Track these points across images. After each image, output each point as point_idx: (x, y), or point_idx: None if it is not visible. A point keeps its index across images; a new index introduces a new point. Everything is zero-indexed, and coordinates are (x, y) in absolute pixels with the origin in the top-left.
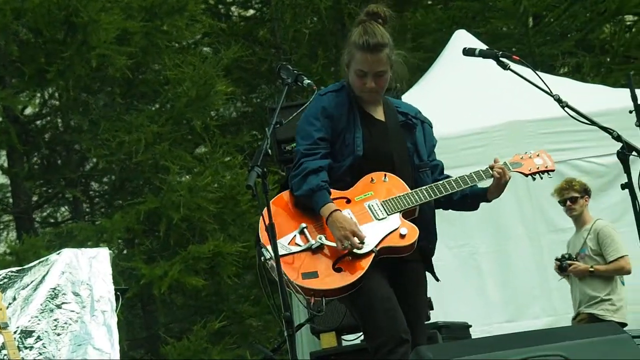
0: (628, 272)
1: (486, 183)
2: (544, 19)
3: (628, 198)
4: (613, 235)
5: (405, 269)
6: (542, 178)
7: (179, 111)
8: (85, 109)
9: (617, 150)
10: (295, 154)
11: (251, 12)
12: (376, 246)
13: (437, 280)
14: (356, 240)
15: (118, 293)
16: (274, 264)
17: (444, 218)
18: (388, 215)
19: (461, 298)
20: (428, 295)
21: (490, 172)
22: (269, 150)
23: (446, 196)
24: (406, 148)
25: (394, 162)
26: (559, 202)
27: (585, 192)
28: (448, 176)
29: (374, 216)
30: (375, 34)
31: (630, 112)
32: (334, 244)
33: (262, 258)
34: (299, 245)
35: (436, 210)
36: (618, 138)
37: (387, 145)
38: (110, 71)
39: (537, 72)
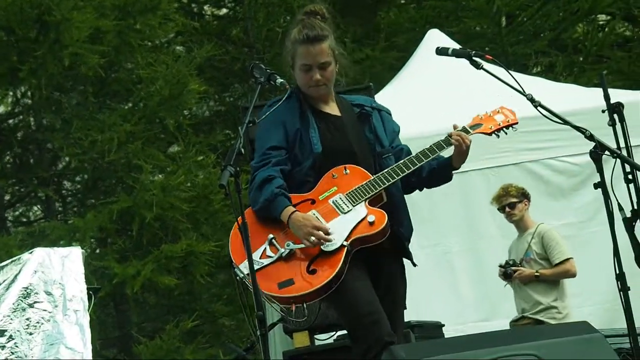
0: (573, 275)
1: (450, 152)
2: (517, 19)
3: (601, 197)
4: (557, 239)
5: (383, 269)
6: (506, 134)
7: (152, 110)
8: (57, 107)
9: (590, 150)
10: (251, 169)
11: (224, 11)
12: (346, 239)
13: (415, 265)
14: (321, 233)
15: (90, 292)
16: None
17: (416, 217)
18: (354, 206)
19: (434, 297)
20: None
21: (450, 140)
22: (242, 150)
23: (415, 173)
24: (366, 138)
25: (355, 154)
26: (498, 209)
27: (524, 196)
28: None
29: (340, 210)
30: (314, 26)
31: (603, 111)
32: (302, 246)
33: (238, 278)
34: (271, 257)
35: (410, 210)
36: (591, 137)
37: (346, 139)
38: (82, 70)
39: (510, 71)
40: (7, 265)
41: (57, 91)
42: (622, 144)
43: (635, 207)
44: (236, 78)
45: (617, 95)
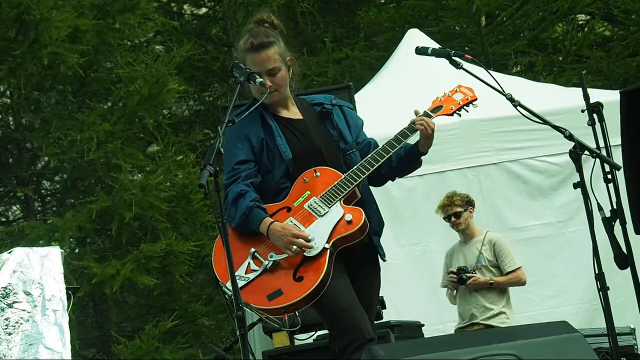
0: (524, 283)
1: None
2: (497, 18)
3: (580, 197)
4: (508, 247)
5: (358, 273)
6: (467, 111)
7: (131, 109)
8: (36, 107)
9: (570, 150)
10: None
11: (204, 10)
12: (327, 242)
13: (384, 260)
14: (301, 241)
15: (70, 292)
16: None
17: (396, 217)
18: (329, 207)
19: (414, 297)
20: (380, 295)
21: (414, 126)
22: (222, 149)
23: (385, 165)
24: (330, 136)
25: (322, 154)
26: (443, 218)
27: (468, 204)
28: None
29: (317, 214)
30: (259, 34)
31: (583, 111)
32: (285, 256)
33: (227, 297)
34: (256, 271)
35: (390, 209)
36: (570, 137)
37: (312, 140)
38: (62, 69)
39: (489, 71)
40: None
41: (36, 90)
42: (602, 144)
43: (615, 207)
44: (216, 77)
45: (597, 95)
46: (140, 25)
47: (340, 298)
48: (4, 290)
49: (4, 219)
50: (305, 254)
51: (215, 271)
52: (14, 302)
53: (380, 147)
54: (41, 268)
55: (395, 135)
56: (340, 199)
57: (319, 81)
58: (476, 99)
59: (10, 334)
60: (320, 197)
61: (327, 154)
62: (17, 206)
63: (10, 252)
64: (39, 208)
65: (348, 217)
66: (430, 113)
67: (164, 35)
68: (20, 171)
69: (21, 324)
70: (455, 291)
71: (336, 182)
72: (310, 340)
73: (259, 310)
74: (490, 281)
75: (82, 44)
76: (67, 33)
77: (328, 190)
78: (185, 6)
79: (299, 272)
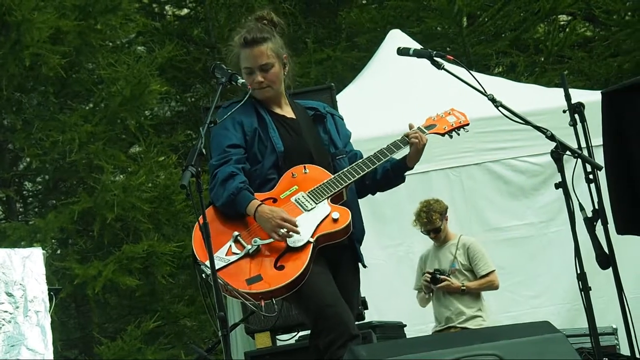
0: (497, 287)
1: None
2: (478, 19)
3: (562, 197)
4: (482, 251)
5: (339, 271)
6: (459, 134)
7: (113, 110)
8: (18, 108)
9: (551, 150)
10: (210, 168)
11: (185, 11)
12: (312, 236)
13: (365, 267)
14: (289, 225)
15: (52, 293)
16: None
17: (379, 217)
18: (316, 204)
19: (396, 297)
20: (362, 295)
21: (407, 139)
22: (203, 150)
23: (370, 176)
24: (321, 139)
25: (312, 155)
26: (421, 232)
27: (444, 214)
28: None
29: (303, 208)
30: (254, 29)
31: (564, 111)
32: (270, 241)
33: (203, 275)
34: (237, 254)
35: (372, 210)
36: (552, 137)
37: (303, 140)
38: (43, 70)
39: (471, 71)
40: None
41: (18, 92)
42: (583, 144)
43: (596, 207)
44: (197, 78)
45: (578, 95)
46: (122, 26)
47: (325, 294)
48: None
49: None
50: (289, 243)
51: (195, 250)
52: None
53: (371, 154)
54: (23, 269)
55: (388, 145)
56: (328, 197)
57: (301, 82)
58: (468, 124)
59: None
60: (308, 192)
61: (316, 155)
62: None
63: None
64: (20, 209)
65: (335, 215)
66: (424, 129)
67: (145, 36)
68: (2, 172)
69: (3, 325)
70: (428, 294)
71: (325, 181)
72: (292, 341)
73: (236, 292)
74: (463, 287)
75: (63, 45)
76: (49, 34)
77: (317, 187)
78: (167, 7)
79: (281, 261)
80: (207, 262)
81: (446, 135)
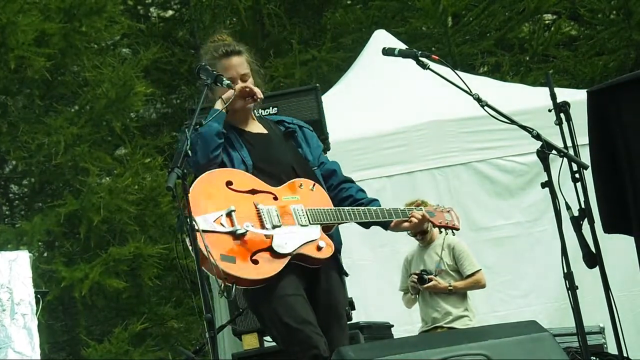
0: (483, 286)
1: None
2: (463, 19)
3: (548, 196)
4: (467, 251)
5: (320, 283)
6: (447, 233)
7: (98, 113)
8: (4, 111)
9: (537, 149)
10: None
11: (170, 13)
12: (294, 250)
13: (346, 275)
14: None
15: (38, 296)
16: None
17: None
18: (310, 224)
19: (383, 298)
20: (350, 296)
21: (408, 215)
22: (189, 152)
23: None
24: (299, 153)
25: (294, 168)
26: (407, 234)
27: None
28: (360, 191)
29: (297, 221)
30: (230, 43)
31: (550, 110)
32: (260, 232)
33: (184, 228)
34: (223, 227)
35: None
36: (537, 137)
37: (278, 154)
38: (29, 73)
39: (456, 71)
40: None
41: (3, 94)
42: (569, 143)
43: (583, 206)
44: (183, 80)
45: (564, 94)
46: (107, 28)
47: (297, 316)
48: None
49: None
50: (274, 247)
51: (189, 199)
52: None
53: (375, 209)
54: (10, 272)
55: (396, 210)
56: (322, 224)
57: (286, 83)
58: (458, 229)
59: None
60: (308, 209)
61: (299, 169)
62: None
63: None
64: (7, 212)
65: (321, 243)
66: (428, 215)
67: (130, 38)
68: None
69: None
70: (415, 295)
71: (327, 208)
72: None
73: (212, 260)
74: (450, 287)
75: (48, 47)
76: (34, 37)
77: (318, 210)
78: (151, 9)
79: (257, 256)
80: (198, 218)
81: (437, 227)
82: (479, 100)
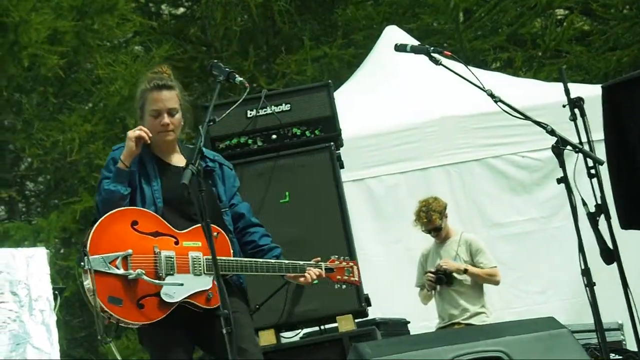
0: (498, 282)
1: None
2: (475, 14)
3: (564, 192)
4: (484, 247)
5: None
6: (343, 287)
7: (112, 110)
8: (18, 108)
9: (552, 145)
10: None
11: (181, 10)
12: (181, 299)
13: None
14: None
15: (56, 292)
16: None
17: (380, 214)
18: (204, 273)
19: (399, 294)
20: (366, 292)
21: (305, 270)
22: (203, 148)
23: (251, 249)
24: (212, 192)
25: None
26: (422, 231)
27: (444, 212)
28: (264, 236)
29: (192, 269)
30: (162, 77)
31: (564, 106)
32: (149, 280)
33: (82, 264)
34: (117, 269)
35: (373, 207)
36: (552, 132)
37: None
38: (42, 71)
39: (469, 67)
40: None
41: (17, 92)
42: (584, 139)
43: (599, 202)
44: (195, 77)
45: (577, 89)
46: (119, 26)
47: None
48: None
49: None
50: (161, 295)
51: (90, 238)
52: (1, 302)
53: (272, 263)
54: (27, 268)
55: (291, 264)
56: (216, 276)
57: (298, 79)
58: (358, 284)
59: None
60: (206, 259)
61: (209, 210)
62: (2, 207)
63: None
64: (23, 209)
65: (211, 294)
66: (322, 270)
67: (142, 35)
68: (3, 173)
69: (8, 323)
70: (430, 291)
71: (225, 258)
72: (296, 339)
73: (96, 301)
74: (465, 267)
75: (61, 45)
76: (47, 35)
77: (214, 260)
78: (163, 6)
79: (144, 300)
80: (92, 257)
81: (335, 283)
82: (492, 96)
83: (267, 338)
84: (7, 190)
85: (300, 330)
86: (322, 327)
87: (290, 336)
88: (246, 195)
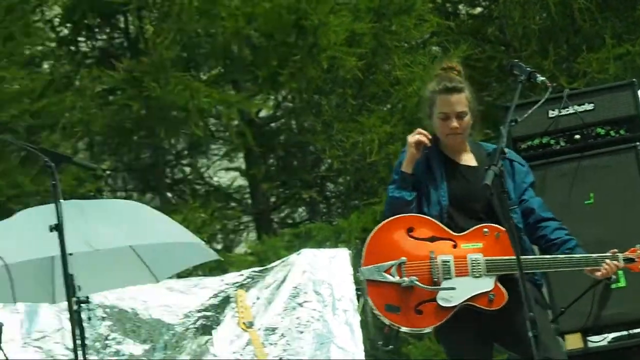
0: None
1: None
2: None
3: None
4: None
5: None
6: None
7: (410, 111)
8: (318, 110)
9: None
10: None
11: (479, 9)
12: (460, 303)
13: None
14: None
15: (359, 293)
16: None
17: None
18: (485, 275)
19: None
20: None
21: (599, 264)
22: (505, 150)
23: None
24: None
25: (491, 205)
26: None
27: None
28: (557, 229)
29: (471, 271)
30: (452, 79)
31: None
32: (423, 287)
33: (361, 277)
34: (392, 277)
35: None
36: None
37: (480, 190)
38: (341, 72)
39: None
40: (276, 266)
41: (316, 94)
42: None
43: None
44: (493, 77)
45: None
46: (416, 27)
47: None
48: (295, 290)
49: (290, 221)
50: (438, 300)
51: (365, 249)
52: (305, 302)
53: (564, 257)
54: (329, 269)
55: (581, 258)
56: (499, 275)
57: (600, 78)
58: None
59: (301, 332)
60: (486, 260)
61: (496, 207)
62: (303, 208)
63: (298, 254)
64: (324, 210)
65: (492, 295)
66: (622, 260)
67: (439, 36)
68: (304, 174)
69: (312, 322)
70: None
71: (508, 258)
72: (604, 343)
73: (374, 309)
74: None
75: (359, 47)
76: (345, 37)
77: (496, 260)
78: (460, 6)
79: (422, 307)
80: (370, 267)
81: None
82: None
83: (573, 342)
84: (308, 191)
85: (607, 335)
86: (629, 332)
87: (598, 340)
88: (549, 195)
